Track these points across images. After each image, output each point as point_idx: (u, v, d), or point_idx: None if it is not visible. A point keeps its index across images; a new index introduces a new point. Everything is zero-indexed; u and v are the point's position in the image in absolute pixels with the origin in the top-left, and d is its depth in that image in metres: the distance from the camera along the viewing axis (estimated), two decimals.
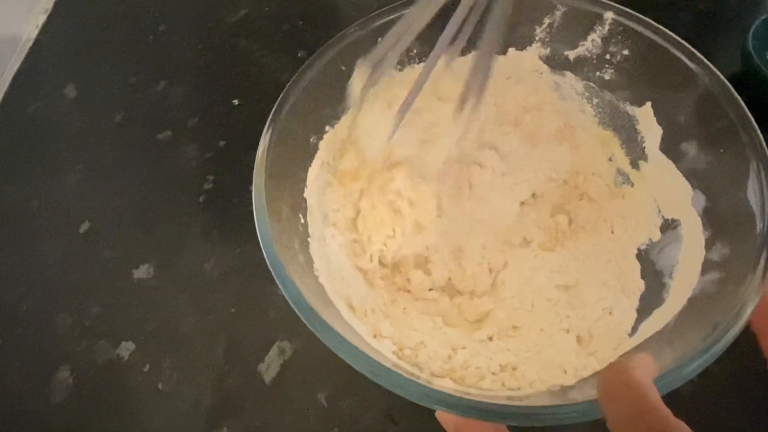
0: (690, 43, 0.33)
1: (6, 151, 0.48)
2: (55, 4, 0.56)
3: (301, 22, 0.53)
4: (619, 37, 0.33)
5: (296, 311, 0.26)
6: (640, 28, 0.32)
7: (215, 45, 0.53)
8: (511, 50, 0.36)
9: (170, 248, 0.42)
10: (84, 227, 0.44)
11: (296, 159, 0.34)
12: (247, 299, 0.40)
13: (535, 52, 0.36)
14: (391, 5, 0.35)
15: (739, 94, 0.31)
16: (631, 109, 0.34)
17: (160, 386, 0.37)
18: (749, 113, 0.30)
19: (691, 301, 0.27)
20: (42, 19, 0.55)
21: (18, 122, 0.50)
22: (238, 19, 0.54)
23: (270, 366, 0.37)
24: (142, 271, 0.41)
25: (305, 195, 0.34)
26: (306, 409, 0.36)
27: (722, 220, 0.28)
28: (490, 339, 0.31)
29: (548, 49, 0.36)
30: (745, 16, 0.49)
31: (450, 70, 0.30)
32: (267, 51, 0.51)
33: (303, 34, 0.52)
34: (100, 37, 0.54)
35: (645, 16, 0.33)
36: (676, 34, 0.32)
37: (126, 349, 0.39)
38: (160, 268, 0.41)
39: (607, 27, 0.33)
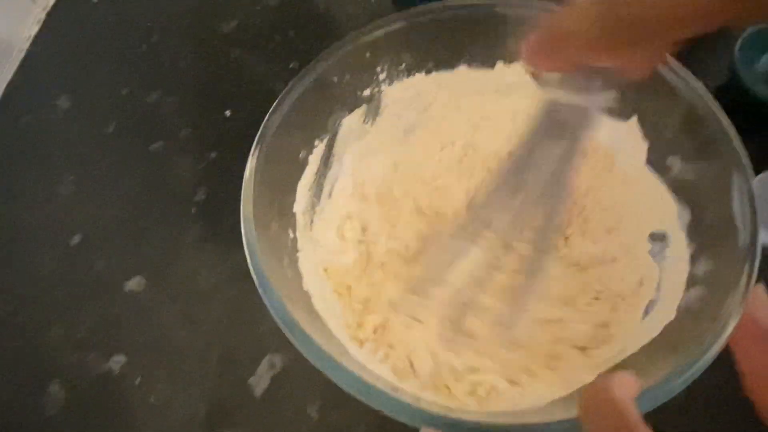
0: (677, 54, 0.34)
1: None
2: (48, 15, 0.56)
3: (293, 33, 0.53)
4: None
5: (282, 328, 0.26)
6: None
7: (208, 55, 0.53)
8: (499, 64, 0.36)
9: (162, 260, 0.42)
10: (76, 239, 0.44)
11: (286, 173, 0.35)
12: (239, 311, 0.40)
13: (522, 66, 0.36)
14: (381, 19, 0.35)
15: (725, 106, 0.32)
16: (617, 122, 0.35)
17: (151, 399, 0.37)
18: (732, 126, 0.30)
19: (675, 316, 0.28)
20: (34, 29, 0.55)
21: (10, 133, 0.50)
22: (230, 29, 0.54)
23: (261, 379, 0.37)
24: (134, 283, 0.42)
25: (294, 209, 0.35)
26: (297, 422, 0.36)
27: (707, 234, 0.29)
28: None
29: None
30: (732, 28, 0.49)
31: None
32: (259, 61, 0.52)
33: (295, 45, 0.53)
34: (93, 48, 0.54)
35: None
36: None
37: (117, 361, 0.39)
38: (152, 280, 0.42)
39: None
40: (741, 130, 0.31)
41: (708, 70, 0.43)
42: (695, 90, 0.32)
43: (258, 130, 0.34)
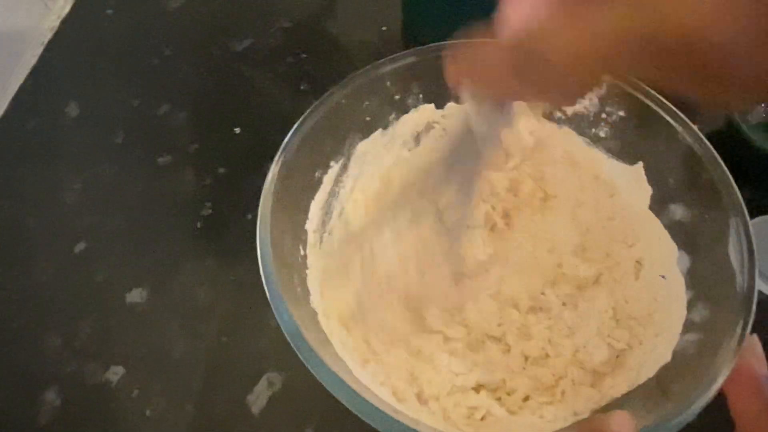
0: (675, 101, 0.35)
1: (4, 167, 0.48)
2: (62, 22, 0.57)
3: (304, 55, 0.54)
4: (616, 99, 0.35)
5: (291, 343, 0.26)
6: (635, 93, 0.33)
7: (219, 72, 0.54)
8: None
9: (164, 273, 0.43)
10: (79, 247, 0.44)
11: (301, 191, 0.36)
12: (239, 328, 0.40)
13: (534, 105, 0.37)
14: (399, 53, 0.37)
15: (721, 153, 0.33)
16: (624, 166, 0.36)
17: (147, 413, 0.37)
18: (729, 174, 0.32)
19: (671, 359, 0.28)
20: (48, 36, 0.56)
21: (18, 138, 0.50)
22: (243, 48, 0.55)
23: (259, 397, 0.38)
24: (135, 295, 0.42)
25: (306, 227, 0.35)
26: None
27: (705, 281, 0.30)
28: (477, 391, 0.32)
29: (546, 104, 0.37)
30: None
31: None
32: (270, 81, 0.53)
33: (306, 67, 0.54)
34: (105, 58, 0.55)
35: None
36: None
37: (115, 373, 0.39)
38: (153, 293, 0.42)
39: (604, 88, 0.35)
40: (736, 177, 0.32)
41: (704, 116, 0.44)
42: (697, 138, 0.33)
43: (266, 149, 0.35)
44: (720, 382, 0.24)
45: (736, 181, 0.32)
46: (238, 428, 0.37)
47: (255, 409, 0.37)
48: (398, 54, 0.37)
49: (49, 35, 0.56)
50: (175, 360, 0.39)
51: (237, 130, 0.50)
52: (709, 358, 0.25)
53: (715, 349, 0.26)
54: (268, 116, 0.50)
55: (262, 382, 0.38)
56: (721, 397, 0.25)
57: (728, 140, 0.45)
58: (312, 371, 0.25)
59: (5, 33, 0.53)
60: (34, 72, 0.54)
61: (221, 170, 0.48)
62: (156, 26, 0.57)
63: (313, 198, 0.36)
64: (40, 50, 0.55)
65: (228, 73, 0.53)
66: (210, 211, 0.45)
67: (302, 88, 0.52)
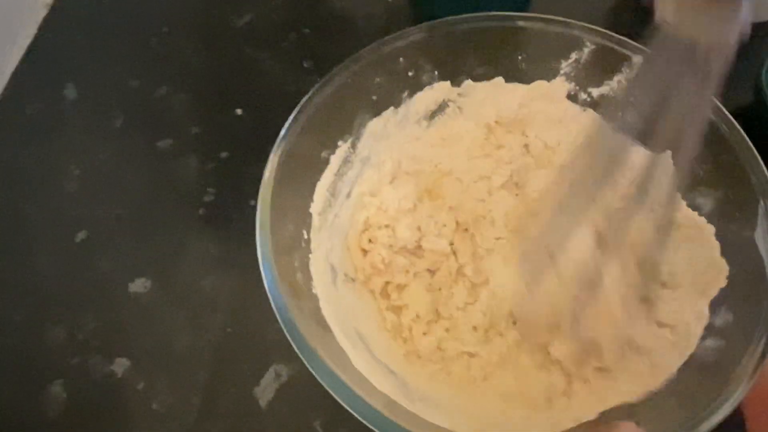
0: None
1: (2, 153, 0.47)
2: (57, 0, 0.55)
3: (308, 31, 0.52)
4: None
5: (288, 337, 0.26)
6: None
7: (220, 50, 0.52)
8: (540, 81, 0.36)
9: (167, 262, 0.42)
10: (80, 236, 0.43)
11: (306, 173, 0.34)
12: (245, 319, 0.39)
13: (559, 84, 0.35)
14: (412, 28, 0.35)
15: (748, 128, 0.31)
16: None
17: (154, 406, 0.37)
18: (757, 153, 0.30)
19: (686, 365, 0.27)
20: (42, 14, 0.54)
21: (16, 122, 0.49)
22: (244, 23, 0.53)
23: (266, 389, 0.37)
24: (138, 285, 0.41)
25: (311, 210, 0.34)
26: None
27: (731, 282, 0.28)
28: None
29: (572, 84, 0.35)
30: (758, 49, 0.48)
31: None
32: (273, 60, 0.50)
33: (310, 44, 0.51)
34: (102, 37, 0.53)
35: None
36: None
37: (121, 365, 0.38)
38: (157, 283, 0.41)
39: (635, 70, 0.33)
40: (765, 156, 0.30)
41: (732, 89, 0.42)
42: (720, 114, 0.31)
43: (270, 131, 0.33)
44: (739, 394, 0.23)
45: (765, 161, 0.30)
46: (245, 421, 0.36)
47: (263, 402, 0.36)
48: (411, 28, 0.35)
49: (43, 13, 0.54)
50: (181, 352, 0.38)
51: (239, 111, 0.48)
52: (730, 367, 0.24)
53: (737, 358, 0.24)
54: (270, 96, 0.48)
55: (269, 374, 0.37)
56: (736, 412, 0.23)
57: (756, 117, 0.43)
58: (307, 364, 0.25)
59: None
60: (30, 54, 0.52)
61: (224, 154, 0.46)
62: (153, 3, 0.55)
63: (318, 179, 0.35)
64: (34, 30, 0.53)
65: (228, 51, 0.51)
66: (213, 197, 0.44)
67: (306, 66, 0.50)
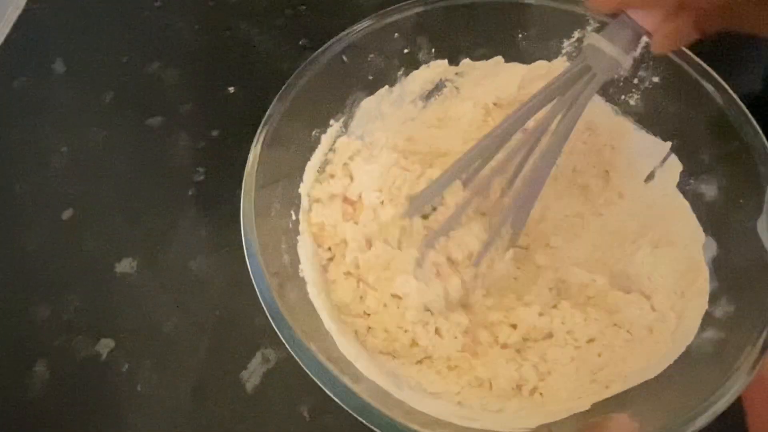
0: (712, 63, 0.32)
1: None
2: None
3: (303, 7, 0.51)
4: (651, 62, 0.31)
5: (269, 318, 0.25)
6: (674, 57, 0.30)
7: (213, 26, 0.50)
8: (540, 61, 0.35)
9: (155, 243, 0.41)
10: (67, 214, 0.42)
11: (295, 152, 0.33)
12: (233, 303, 0.38)
13: (560, 65, 0.34)
14: (408, 2, 0.33)
15: (758, 117, 0.30)
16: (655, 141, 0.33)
17: (138, 388, 0.36)
18: (765, 140, 0.29)
19: (683, 356, 0.26)
20: None
21: (2, 97, 0.47)
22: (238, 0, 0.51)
23: (253, 374, 0.36)
24: (125, 265, 0.40)
25: (300, 190, 0.33)
26: (287, 421, 0.35)
27: (732, 272, 0.27)
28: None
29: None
30: None
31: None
32: (267, 37, 0.49)
33: (305, 21, 0.50)
34: (92, 10, 0.52)
35: None
36: (699, 51, 0.30)
37: (105, 346, 0.37)
38: (144, 264, 0.40)
39: (639, 50, 0.31)
40: None
41: (741, 77, 0.41)
42: (728, 99, 0.30)
43: (262, 109, 0.32)
44: (738, 388, 0.22)
45: None
46: (231, 405, 0.35)
47: (249, 386, 0.36)
48: (408, 2, 0.33)
49: None
50: (167, 334, 0.38)
51: (231, 89, 0.47)
52: (729, 360, 0.23)
53: (737, 350, 0.23)
54: (264, 74, 0.47)
55: (257, 358, 0.36)
56: (737, 406, 0.22)
57: (766, 106, 0.41)
58: (284, 341, 0.25)
59: None
60: (19, 25, 0.51)
61: (214, 133, 0.45)
62: None
63: (309, 159, 0.34)
64: (23, 2, 0.52)
65: (222, 27, 0.50)
66: (203, 177, 0.43)
67: (301, 43, 0.48)
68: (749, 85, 0.42)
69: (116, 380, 0.36)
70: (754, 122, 0.29)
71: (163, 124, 0.45)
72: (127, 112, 0.46)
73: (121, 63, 0.48)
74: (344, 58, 0.32)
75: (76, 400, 0.36)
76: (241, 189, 0.42)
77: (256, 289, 0.26)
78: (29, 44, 0.50)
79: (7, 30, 0.50)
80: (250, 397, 0.35)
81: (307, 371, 0.24)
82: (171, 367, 0.37)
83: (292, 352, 0.25)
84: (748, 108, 0.30)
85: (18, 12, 0.51)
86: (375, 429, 0.23)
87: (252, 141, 0.32)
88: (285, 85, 0.31)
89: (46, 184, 0.43)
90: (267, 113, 0.30)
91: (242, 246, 0.40)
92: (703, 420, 0.22)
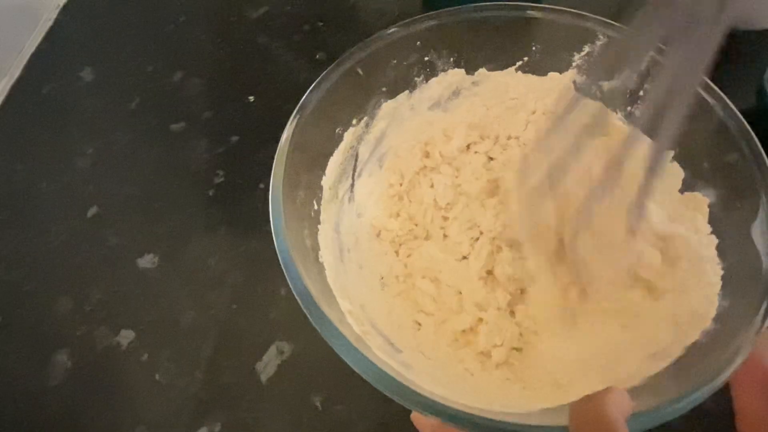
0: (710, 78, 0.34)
1: (19, 130, 0.48)
2: None
3: (321, 24, 0.53)
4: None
5: (297, 298, 0.26)
6: None
7: (234, 40, 0.53)
8: (552, 73, 0.37)
9: (176, 240, 0.42)
10: (91, 212, 0.44)
11: (320, 145, 0.35)
12: (249, 297, 0.40)
13: (570, 77, 0.36)
14: (430, 13, 0.36)
15: (752, 127, 0.32)
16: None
17: (157, 377, 0.37)
18: (762, 149, 0.30)
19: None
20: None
21: (32, 101, 0.50)
22: (259, 15, 0.54)
23: (267, 365, 0.37)
24: (147, 261, 0.42)
25: (322, 182, 0.35)
26: (300, 411, 0.36)
27: (728, 271, 0.29)
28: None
29: (584, 77, 0.36)
30: (761, 53, 0.49)
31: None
32: (286, 50, 0.52)
33: (323, 36, 0.52)
34: (121, 23, 0.54)
35: None
36: None
37: (125, 337, 0.39)
38: (165, 259, 0.42)
39: (645, 64, 0.33)
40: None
41: (734, 92, 0.43)
42: (726, 109, 0.32)
43: (280, 118, 0.34)
44: (729, 372, 0.23)
45: None
46: (246, 395, 0.37)
47: (264, 377, 0.37)
48: (429, 13, 0.35)
49: None
50: (185, 326, 0.39)
51: (251, 98, 0.49)
52: (723, 348, 0.24)
53: (729, 339, 0.24)
54: (282, 86, 0.50)
55: (272, 350, 0.38)
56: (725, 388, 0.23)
57: (759, 122, 0.43)
58: (309, 318, 0.25)
59: None
60: (49, 36, 0.53)
61: (234, 139, 0.47)
62: None
63: (331, 154, 0.35)
64: (55, 14, 0.55)
65: (243, 40, 0.53)
66: (222, 179, 0.45)
67: (318, 57, 0.51)
68: (741, 102, 0.44)
69: (135, 369, 0.38)
70: (752, 133, 0.31)
71: (185, 129, 0.48)
72: (151, 117, 0.49)
73: (146, 72, 0.51)
74: (369, 60, 0.34)
75: (96, 387, 0.37)
76: (259, 190, 0.44)
77: (278, 251, 0.27)
78: (59, 53, 0.53)
79: (38, 40, 0.53)
80: (264, 388, 0.37)
81: (334, 347, 0.25)
82: (188, 358, 0.38)
83: (312, 321, 0.25)
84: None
85: (49, 23, 0.54)
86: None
87: (269, 147, 0.33)
88: (315, 82, 0.32)
89: (72, 183, 0.45)
90: (300, 103, 0.32)
91: (257, 244, 0.42)
92: (697, 397, 0.23)
